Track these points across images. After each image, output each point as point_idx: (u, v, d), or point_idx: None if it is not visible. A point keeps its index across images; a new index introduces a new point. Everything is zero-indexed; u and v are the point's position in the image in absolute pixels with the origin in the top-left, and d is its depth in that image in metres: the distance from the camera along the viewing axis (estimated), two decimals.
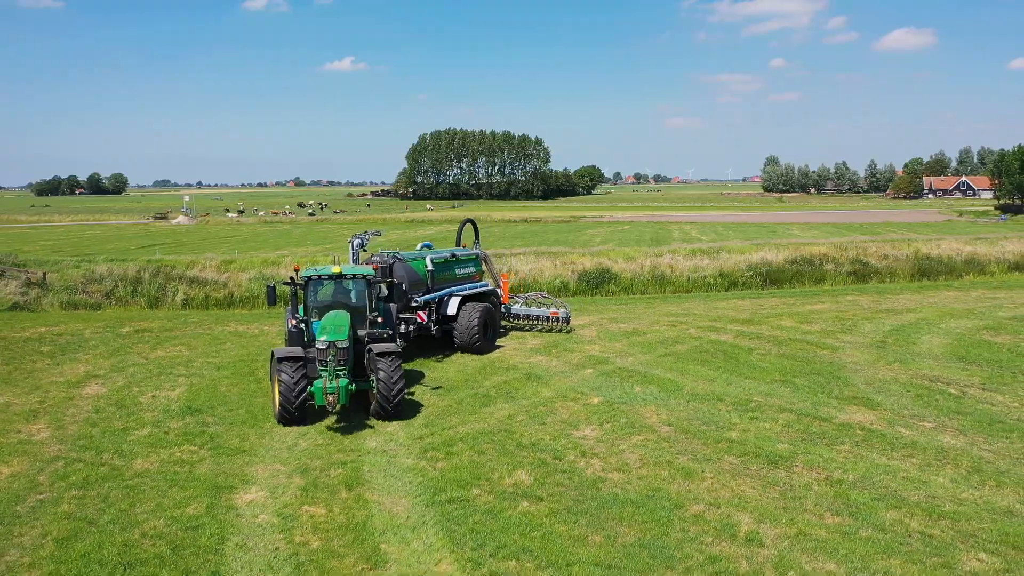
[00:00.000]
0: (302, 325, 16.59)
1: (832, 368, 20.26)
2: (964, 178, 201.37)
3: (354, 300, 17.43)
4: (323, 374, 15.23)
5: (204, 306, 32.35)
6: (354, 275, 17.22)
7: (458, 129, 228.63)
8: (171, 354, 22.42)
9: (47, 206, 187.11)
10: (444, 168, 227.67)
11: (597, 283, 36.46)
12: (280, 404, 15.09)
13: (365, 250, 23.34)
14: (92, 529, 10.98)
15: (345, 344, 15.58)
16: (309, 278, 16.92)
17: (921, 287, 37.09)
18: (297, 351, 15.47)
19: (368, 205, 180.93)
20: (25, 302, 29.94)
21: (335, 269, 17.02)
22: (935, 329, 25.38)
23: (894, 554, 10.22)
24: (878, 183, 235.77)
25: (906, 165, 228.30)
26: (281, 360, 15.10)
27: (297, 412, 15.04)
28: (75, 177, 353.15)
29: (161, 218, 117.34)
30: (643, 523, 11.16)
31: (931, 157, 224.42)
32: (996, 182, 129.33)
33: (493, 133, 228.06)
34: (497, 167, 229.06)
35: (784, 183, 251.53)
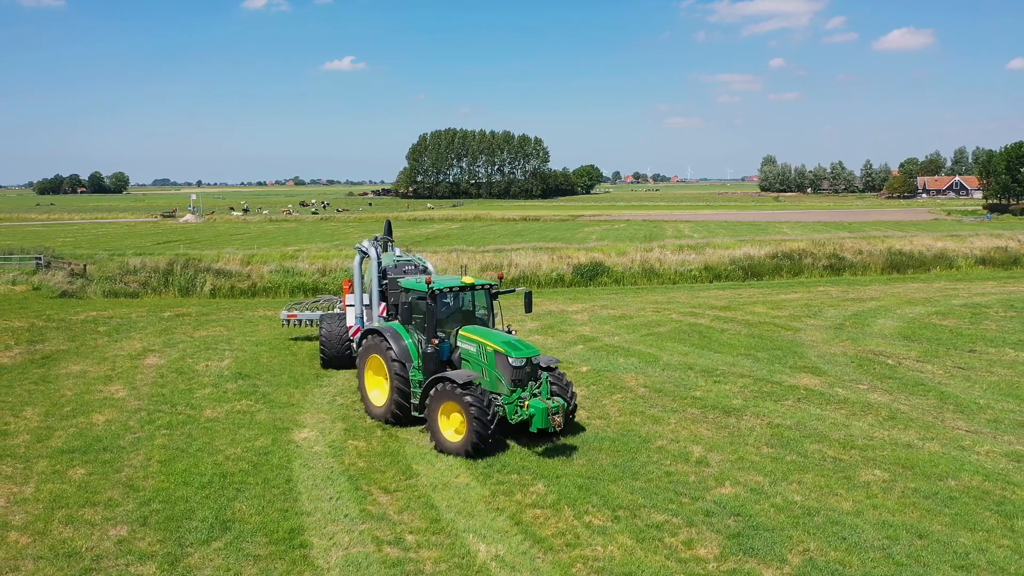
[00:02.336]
0: (434, 343, 15.12)
1: (791, 345, 23.30)
2: (958, 178, 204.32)
3: (480, 311, 16.21)
4: (521, 394, 14.09)
5: (231, 295, 35.37)
6: (481, 285, 15.91)
7: (458, 129, 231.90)
8: (212, 333, 25.48)
9: (52, 204, 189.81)
10: (444, 167, 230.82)
11: (591, 275, 39.47)
12: (475, 432, 13.36)
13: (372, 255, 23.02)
14: (185, 455, 14.02)
15: (538, 360, 14.70)
16: (439, 290, 15.23)
17: (890, 279, 40.17)
18: (472, 375, 14.12)
19: (370, 204, 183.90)
20: (72, 290, 33.05)
21: (466, 279, 15.67)
22: (890, 314, 28.45)
23: (808, 471, 13.25)
24: (874, 183, 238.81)
25: (901, 165, 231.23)
26: (466, 386, 13.62)
27: (492, 440, 13.70)
28: (77, 176, 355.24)
29: (169, 216, 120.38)
30: (617, 452, 14.17)
31: (926, 157, 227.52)
32: (984, 182, 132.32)
33: (493, 133, 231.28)
34: (497, 166, 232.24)
35: (781, 183, 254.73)
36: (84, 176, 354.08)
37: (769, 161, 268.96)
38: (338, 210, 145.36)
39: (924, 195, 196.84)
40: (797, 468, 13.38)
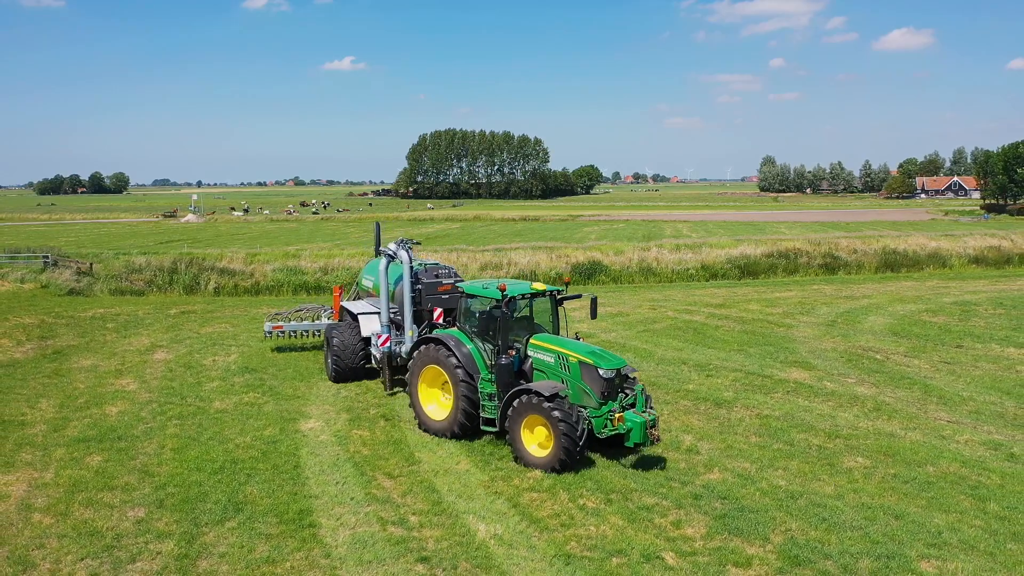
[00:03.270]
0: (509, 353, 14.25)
1: (783, 341, 23.89)
2: (956, 178, 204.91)
3: (545, 319, 15.30)
4: (612, 407, 13.34)
5: (234, 293, 35.95)
6: (548, 292, 15.04)
7: (458, 129, 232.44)
8: (218, 330, 26.08)
9: (53, 204, 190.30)
10: (444, 168, 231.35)
11: (589, 274, 40.06)
12: (563, 448, 12.65)
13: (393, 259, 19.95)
14: (197, 443, 14.62)
15: (626, 371, 13.91)
16: (512, 298, 14.37)
17: (883, 278, 40.77)
18: (559, 387, 13.28)
19: (370, 204, 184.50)
20: (79, 288, 33.66)
21: (536, 285, 14.87)
22: (882, 312, 29.05)
23: (794, 458, 13.85)
24: (873, 183, 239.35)
25: (901, 165, 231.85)
26: (552, 398, 12.84)
27: (581, 456, 13.04)
28: (77, 176, 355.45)
29: (170, 216, 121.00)
30: (611, 441, 14.76)
31: (925, 157, 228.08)
32: (982, 182, 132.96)
33: (493, 133, 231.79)
34: (496, 167, 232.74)
35: (780, 183, 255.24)
36: (84, 176, 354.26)
37: (768, 161, 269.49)
38: (338, 210, 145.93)
39: (923, 195, 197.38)
40: (783, 456, 13.97)
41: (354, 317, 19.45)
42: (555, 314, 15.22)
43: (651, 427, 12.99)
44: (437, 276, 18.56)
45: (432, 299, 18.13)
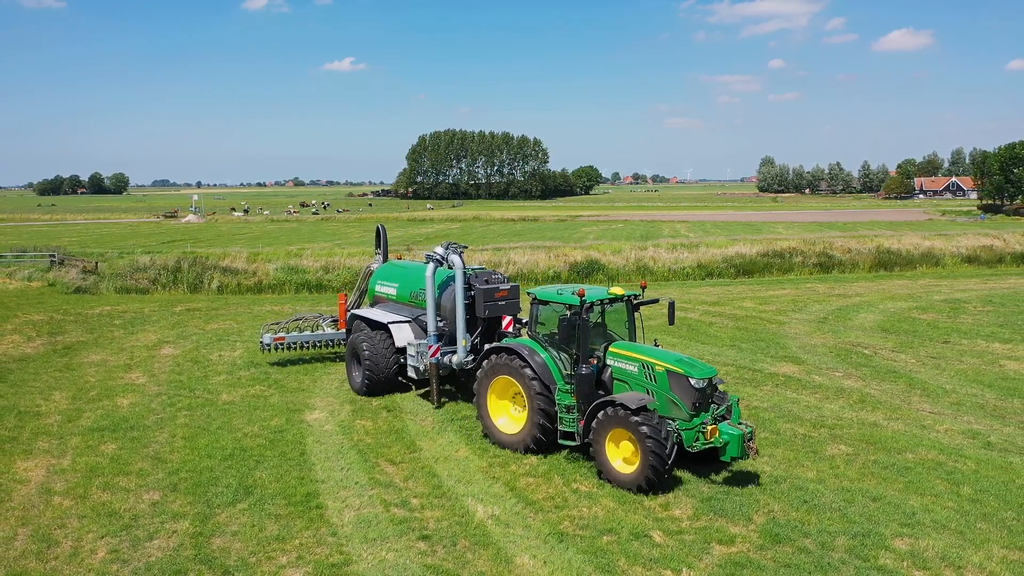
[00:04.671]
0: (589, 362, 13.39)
1: (775, 337, 24.49)
2: (954, 179, 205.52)
3: (623, 326, 14.46)
4: (704, 419, 12.54)
5: (237, 292, 36.52)
6: (626, 296, 14.16)
7: (457, 130, 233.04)
8: (223, 327, 26.68)
9: (53, 205, 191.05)
10: (444, 168, 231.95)
11: (587, 273, 40.63)
12: (651, 465, 11.85)
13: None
14: (207, 432, 15.22)
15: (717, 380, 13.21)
16: (591, 304, 13.61)
17: (876, 277, 41.38)
18: (646, 398, 12.49)
19: (370, 204, 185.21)
20: (86, 286, 34.31)
21: (615, 290, 13.96)
22: (873, 309, 29.65)
23: (779, 446, 14.44)
24: (871, 183, 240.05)
25: (899, 166, 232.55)
26: (639, 411, 12.05)
27: (670, 472, 12.33)
28: (77, 176, 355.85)
29: (171, 216, 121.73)
30: None
31: (924, 158, 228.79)
32: (979, 183, 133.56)
33: (492, 134, 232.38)
34: (496, 167, 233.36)
35: (779, 183, 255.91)
36: (84, 177, 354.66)
37: (768, 162, 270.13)
38: (338, 211, 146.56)
39: (921, 196, 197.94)
40: (769, 444, 14.55)
41: (382, 326, 18.21)
42: (631, 320, 14.32)
43: (748, 440, 12.33)
44: (488, 282, 17.18)
45: (489, 306, 16.82)
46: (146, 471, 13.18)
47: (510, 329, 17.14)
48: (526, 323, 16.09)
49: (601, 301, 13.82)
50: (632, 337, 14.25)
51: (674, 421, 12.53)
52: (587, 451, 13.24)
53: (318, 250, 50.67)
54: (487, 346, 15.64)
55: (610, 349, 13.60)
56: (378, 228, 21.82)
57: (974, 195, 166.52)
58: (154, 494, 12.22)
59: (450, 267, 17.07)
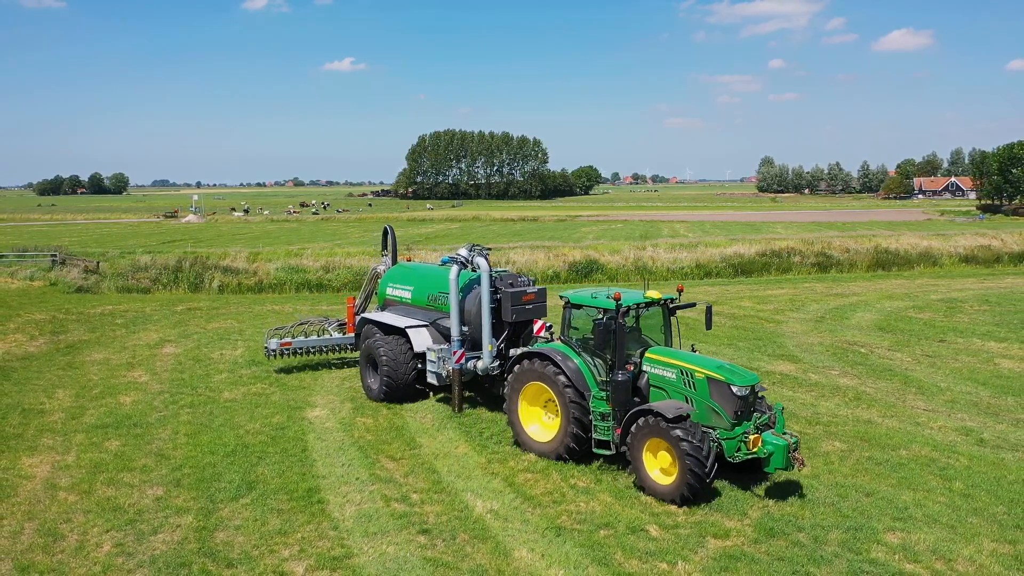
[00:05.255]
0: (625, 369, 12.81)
1: (772, 336, 24.67)
2: (953, 179, 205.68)
3: (659, 330, 14.03)
4: (747, 428, 12.04)
5: (238, 291, 36.67)
6: (663, 300, 13.71)
7: (457, 130, 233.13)
8: (224, 326, 26.86)
9: (53, 205, 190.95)
10: (443, 168, 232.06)
11: (585, 273, 40.82)
12: (689, 477, 11.44)
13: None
14: (209, 429, 15.40)
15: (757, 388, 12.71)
16: (628, 308, 13.09)
17: (874, 276, 41.56)
18: (683, 407, 12.05)
19: (370, 204, 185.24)
20: (87, 286, 34.51)
21: (651, 294, 13.49)
22: (870, 308, 29.84)
23: None
24: (871, 183, 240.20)
25: (899, 166, 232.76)
26: (677, 420, 11.66)
27: (710, 484, 11.85)
28: (77, 177, 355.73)
29: (171, 216, 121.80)
30: None
31: (923, 158, 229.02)
32: (978, 183, 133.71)
33: (492, 134, 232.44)
34: (496, 167, 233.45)
35: (779, 184, 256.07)
36: (84, 177, 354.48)
37: (767, 162, 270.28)
38: (338, 211, 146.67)
39: (920, 196, 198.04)
40: None
41: (399, 331, 17.56)
42: (667, 324, 13.89)
43: (793, 451, 11.78)
44: (513, 285, 16.58)
45: (516, 310, 16.22)
46: (149, 467, 13.36)
47: (542, 334, 16.35)
48: (550, 327, 16.19)
49: (637, 305, 13.34)
50: (669, 342, 13.85)
51: (714, 430, 12.06)
52: (623, 460, 12.95)
53: (318, 250, 50.86)
54: (518, 351, 15.34)
55: (646, 355, 13.13)
56: (386, 229, 21.12)
57: (973, 195, 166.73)
58: (158, 489, 12.40)
59: (474, 270, 16.43)
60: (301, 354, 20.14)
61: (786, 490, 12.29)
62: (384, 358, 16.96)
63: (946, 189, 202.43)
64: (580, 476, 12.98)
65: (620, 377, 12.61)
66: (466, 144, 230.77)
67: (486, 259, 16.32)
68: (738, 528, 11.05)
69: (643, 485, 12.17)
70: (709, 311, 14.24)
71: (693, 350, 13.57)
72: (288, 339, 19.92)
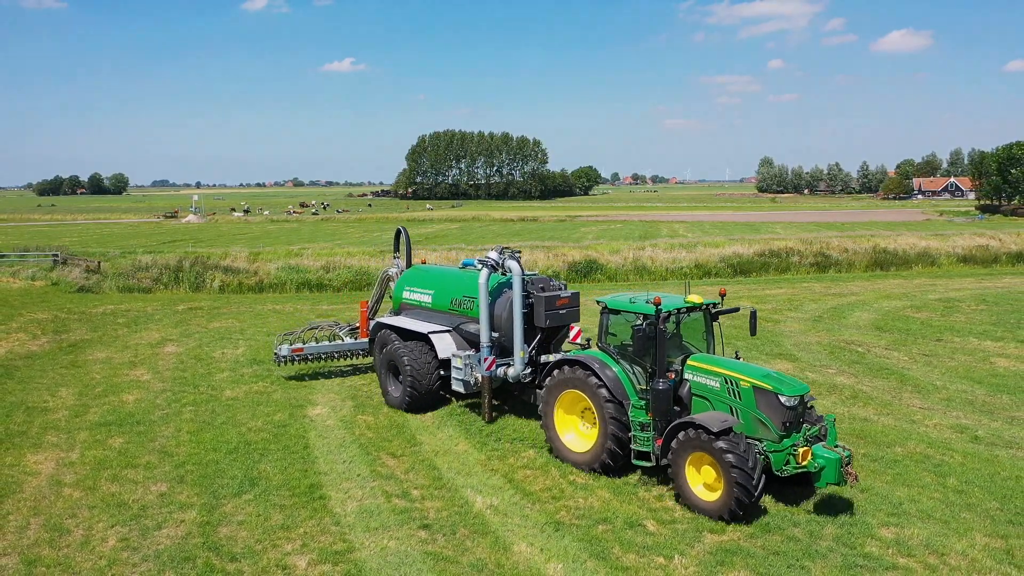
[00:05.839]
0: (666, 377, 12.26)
1: (770, 335, 24.82)
2: (952, 179, 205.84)
3: (700, 336, 13.37)
4: (795, 440, 11.47)
5: (239, 291, 36.79)
6: (704, 305, 13.12)
7: (457, 131, 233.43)
8: (226, 325, 27.01)
9: (53, 205, 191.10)
10: (443, 169, 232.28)
11: (585, 272, 40.97)
12: (736, 494, 10.87)
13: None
14: (211, 427, 15.56)
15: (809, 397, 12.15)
16: (668, 313, 12.46)
17: (873, 276, 41.71)
18: (728, 419, 11.51)
19: (369, 205, 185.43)
20: (89, 285, 34.67)
21: (693, 298, 12.87)
22: (868, 308, 30.01)
23: None
24: (870, 184, 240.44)
25: (898, 166, 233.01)
26: (721, 433, 11.10)
27: (757, 501, 11.16)
28: (76, 177, 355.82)
29: (171, 216, 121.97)
30: None
31: (923, 159, 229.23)
32: (977, 183, 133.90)
33: (492, 134, 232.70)
34: (495, 168, 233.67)
35: (778, 184, 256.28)
36: (84, 177, 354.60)
37: (766, 162, 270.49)
38: (338, 211, 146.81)
39: (919, 196, 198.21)
40: None
41: (420, 337, 17.10)
42: (709, 330, 13.24)
43: (846, 464, 11.18)
44: (544, 289, 15.90)
45: (550, 315, 15.55)
46: (153, 464, 13.51)
47: (578, 340, 15.93)
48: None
49: (678, 310, 12.73)
50: (711, 349, 13.21)
51: (761, 442, 11.55)
52: (663, 473, 12.51)
53: (318, 250, 51.01)
54: (550, 357, 15.13)
55: (688, 362, 12.55)
56: (399, 230, 20.47)
57: (972, 196, 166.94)
58: (161, 486, 12.55)
59: (504, 273, 15.82)
60: (312, 360, 19.49)
61: (782, 487, 12.43)
62: (408, 366, 16.30)
63: (945, 189, 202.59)
64: (578, 473, 13.13)
65: (661, 386, 12.05)
66: (466, 144, 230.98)
67: (518, 262, 15.60)
68: (735, 524, 11.20)
69: (685, 500, 11.66)
70: (754, 316, 13.75)
71: (737, 357, 13.15)
72: (299, 345, 19.32)
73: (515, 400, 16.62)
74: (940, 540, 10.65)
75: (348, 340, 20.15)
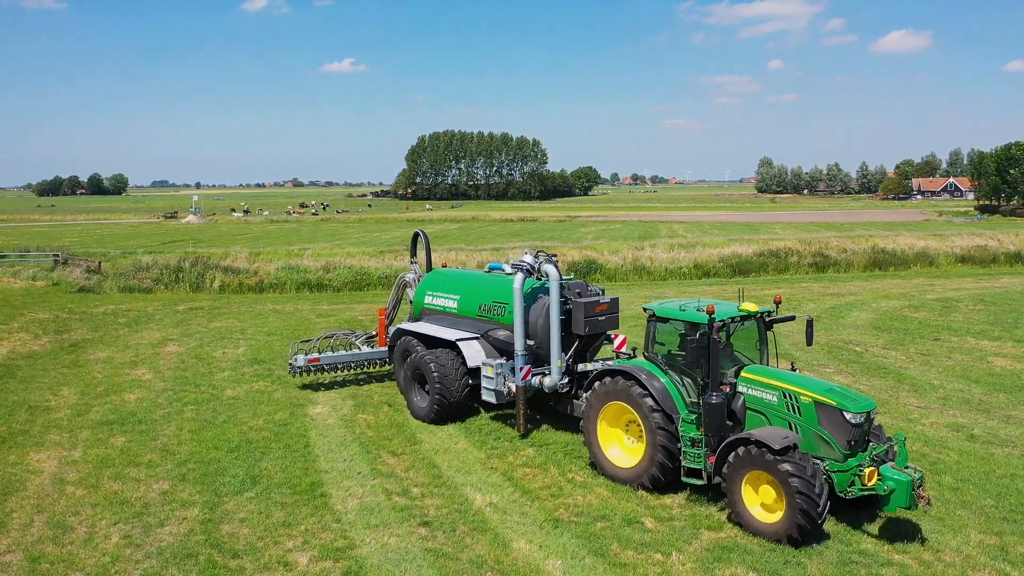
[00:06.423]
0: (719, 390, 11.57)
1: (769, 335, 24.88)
2: (952, 179, 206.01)
3: (753, 346, 12.80)
4: (862, 460, 10.80)
5: (239, 291, 36.90)
6: (759, 313, 12.46)
7: (456, 131, 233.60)
8: (226, 325, 27.12)
9: (53, 206, 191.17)
10: (443, 169, 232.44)
11: (584, 273, 41.01)
12: (800, 517, 10.16)
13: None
14: (213, 425, 15.67)
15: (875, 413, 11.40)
16: (723, 323, 11.71)
17: (871, 276, 41.85)
18: (790, 436, 10.77)
19: (369, 205, 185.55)
20: (89, 285, 34.80)
21: (747, 306, 12.22)
22: (866, 307, 30.13)
23: None
24: (869, 184, 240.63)
25: (897, 167, 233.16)
26: (788, 451, 10.40)
27: (821, 525, 10.48)
28: (76, 177, 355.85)
29: (171, 217, 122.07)
30: None
31: (922, 159, 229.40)
32: (976, 183, 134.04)
33: (491, 135, 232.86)
34: (495, 168, 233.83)
35: (778, 184, 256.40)
36: (83, 178, 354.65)
37: (766, 163, 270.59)
38: (337, 211, 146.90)
39: (919, 196, 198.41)
40: None
41: (447, 344, 16.40)
42: (763, 340, 12.58)
43: (918, 487, 10.41)
44: (581, 294, 15.30)
45: (590, 322, 14.85)
46: (155, 462, 13.61)
47: (623, 348, 15.41)
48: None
49: (732, 319, 12.03)
50: (764, 359, 12.56)
51: (823, 461, 10.89)
52: (716, 491, 11.83)
53: (318, 250, 51.14)
54: (587, 365, 14.75)
55: (743, 374, 11.89)
56: (416, 234, 19.79)
57: (971, 196, 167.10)
58: (163, 484, 12.66)
59: (539, 278, 15.23)
60: (329, 370, 18.81)
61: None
62: (435, 374, 15.57)
63: (944, 190, 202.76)
64: (577, 471, 13.24)
65: (715, 400, 11.33)
66: (465, 145, 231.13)
67: (555, 266, 14.86)
68: (732, 520, 11.30)
69: (741, 521, 10.98)
70: (810, 325, 12.99)
71: (793, 368, 12.54)
72: (315, 355, 18.62)
73: (548, 411, 15.94)
74: (935, 537, 10.76)
75: (365, 349, 19.58)
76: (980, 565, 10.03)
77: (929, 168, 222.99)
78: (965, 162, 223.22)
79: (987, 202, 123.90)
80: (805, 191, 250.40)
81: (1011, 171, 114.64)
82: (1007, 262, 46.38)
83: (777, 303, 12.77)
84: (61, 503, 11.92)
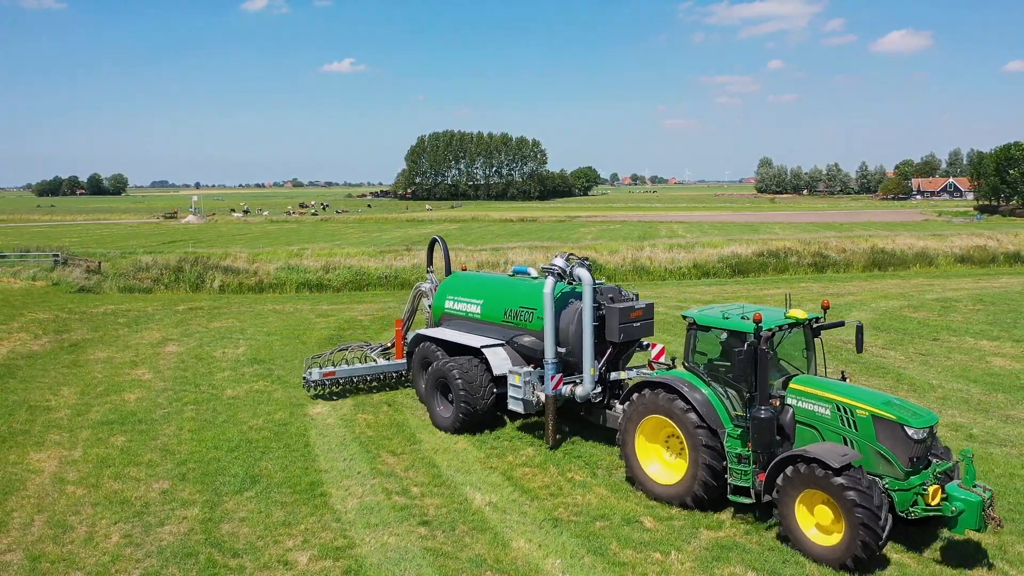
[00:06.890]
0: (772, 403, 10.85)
1: None
2: (951, 180, 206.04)
3: (800, 355, 12.01)
4: (925, 479, 10.14)
5: (239, 291, 36.91)
6: (808, 320, 11.83)
7: (456, 131, 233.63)
8: (226, 325, 27.14)
9: (53, 206, 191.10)
10: (443, 169, 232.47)
11: None
12: (861, 540, 9.55)
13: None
14: (213, 425, 15.69)
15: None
16: (771, 331, 10.99)
17: (870, 276, 41.87)
18: (849, 453, 10.07)
19: (369, 205, 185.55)
20: (89, 285, 34.82)
21: (795, 313, 11.55)
22: (865, 307, 30.15)
23: None
24: (869, 184, 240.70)
25: (897, 167, 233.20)
26: (846, 470, 9.75)
27: (883, 548, 9.90)
28: (76, 178, 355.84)
29: (171, 217, 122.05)
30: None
31: (922, 159, 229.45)
32: (975, 184, 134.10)
33: (491, 135, 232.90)
34: (495, 168, 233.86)
35: (777, 184, 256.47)
36: (83, 178, 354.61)
37: (766, 163, 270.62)
38: (337, 211, 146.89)
39: (918, 197, 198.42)
40: None
41: (471, 351, 15.89)
42: (811, 348, 11.87)
43: (988, 507, 9.75)
44: (614, 300, 14.57)
45: (624, 328, 14.14)
46: (155, 462, 13.64)
47: (662, 359, 14.96)
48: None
49: (779, 327, 11.32)
50: (811, 369, 11.85)
51: (883, 479, 10.18)
52: (765, 510, 11.32)
53: (318, 250, 51.18)
54: (625, 375, 14.32)
55: (791, 385, 11.17)
56: (434, 240, 19.38)
57: (971, 196, 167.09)
58: (163, 483, 12.68)
59: (570, 282, 14.54)
60: (344, 384, 18.21)
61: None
62: (459, 381, 14.95)
63: (944, 190, 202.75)
64: (577, 471, 13.28)
65: (763, 414, 10.61)
66: (465, 145, 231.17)
67: (589, 271, 14.18)
68: (730, 520, 11.34)
69: (795, 543, 10.32)
70: (860, 331, 12.24)
71: (844, 378, 11.86)
72: (331, 368, 18.00)
73: (579, 421, 15.38)
74: (935, 537, 10.78)
75: (381, 361, 18.98)
76: (979, 565, 10.06)
77: (928, 168, 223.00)
78: (964, 162, 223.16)
79: (986, 202, 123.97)
80: (805, 191, 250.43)
81: (1010, 171, 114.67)
82: (1006, 262, 46.41)
83: (825, 309, 12.15)
84: (61, 503, 11.94)
